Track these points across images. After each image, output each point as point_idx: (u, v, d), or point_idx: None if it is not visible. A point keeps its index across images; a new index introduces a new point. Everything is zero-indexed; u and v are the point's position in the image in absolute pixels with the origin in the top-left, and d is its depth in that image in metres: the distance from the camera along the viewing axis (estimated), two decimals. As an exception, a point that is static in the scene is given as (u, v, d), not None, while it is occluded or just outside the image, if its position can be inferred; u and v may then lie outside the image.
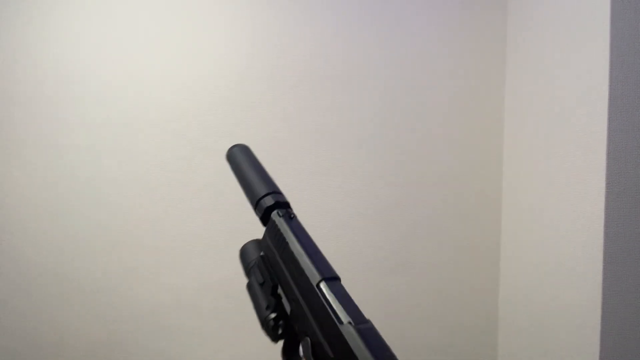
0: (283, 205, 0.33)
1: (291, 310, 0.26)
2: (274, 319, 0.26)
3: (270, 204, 0.32)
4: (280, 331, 0.26)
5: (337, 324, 0.22)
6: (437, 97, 1.20)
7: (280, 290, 0.27)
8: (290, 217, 0.31)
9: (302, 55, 1.20)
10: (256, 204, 0.34)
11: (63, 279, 1.22)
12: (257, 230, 1.22)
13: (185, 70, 1.20)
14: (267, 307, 0.27)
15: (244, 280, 1.29)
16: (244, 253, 0.36)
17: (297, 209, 1.21)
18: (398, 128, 1.20)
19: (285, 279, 0.26)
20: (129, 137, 1.21)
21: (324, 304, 0.23)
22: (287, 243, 0.27)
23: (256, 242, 0.35)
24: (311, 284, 0.24)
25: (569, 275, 0.88)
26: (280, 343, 0.27)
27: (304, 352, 0.24)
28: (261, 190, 0.34)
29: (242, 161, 0.38)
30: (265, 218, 0.33)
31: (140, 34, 1.21)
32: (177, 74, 1.20)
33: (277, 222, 0.30)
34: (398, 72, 1.20)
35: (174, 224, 1.21)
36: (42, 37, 1.22)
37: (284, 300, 0.27)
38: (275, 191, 0.34)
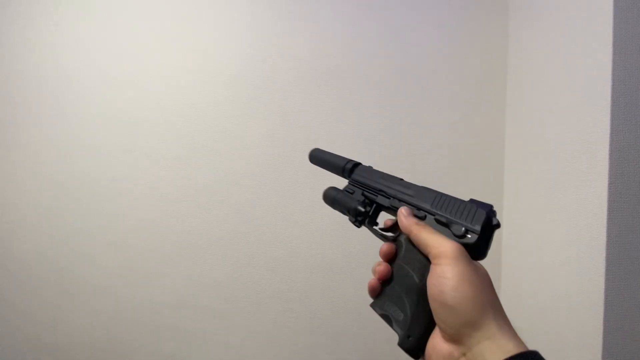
0: (358, 164, 0.57)
1: (380, 197, 0.50)
2: (362, 205, 0.50)
3: (351, 165, 0.56)
4: (367, 209, 0.50)
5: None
6: (438, 98, 1.19)
7: (366, 194, 0.52)
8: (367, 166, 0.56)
9: (301, 54, 1.20)
10: (342, 169, 0.57)
11: (63, 278, 1.22)
12: (256, 231, 1.21)
13: (184, 70, 1.20)
14: (358, 202, 0.51)
15: (243, 281, 1.28)
16: (329, 193, 0.58)
17: (296, 208, 1.21)
18: (398, 129, 1.19)
19: (376, 186, 0.50)
20: (128, 137, 1.21)
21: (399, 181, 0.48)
22: (375, 171, 0.53)
23: (333, 188, 0.58)
24: (396, 178, 0.50)
25: (571, 276, 0.88)
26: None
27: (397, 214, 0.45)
28: (342, 162, 0.58)
29: (320, 154, 0.61)
30: (350, 173, 0.56)
31: (140, 33, 1.21)
32: (177, 73, 1.21)
33: (365, 167, 0.55)
34: (398, 72, 1.19)
35: (173, 224, 1.20)
36: (43, 37, 1.22)
37: (370, 197, 0.51)
38: (349, 160, 0.57)
